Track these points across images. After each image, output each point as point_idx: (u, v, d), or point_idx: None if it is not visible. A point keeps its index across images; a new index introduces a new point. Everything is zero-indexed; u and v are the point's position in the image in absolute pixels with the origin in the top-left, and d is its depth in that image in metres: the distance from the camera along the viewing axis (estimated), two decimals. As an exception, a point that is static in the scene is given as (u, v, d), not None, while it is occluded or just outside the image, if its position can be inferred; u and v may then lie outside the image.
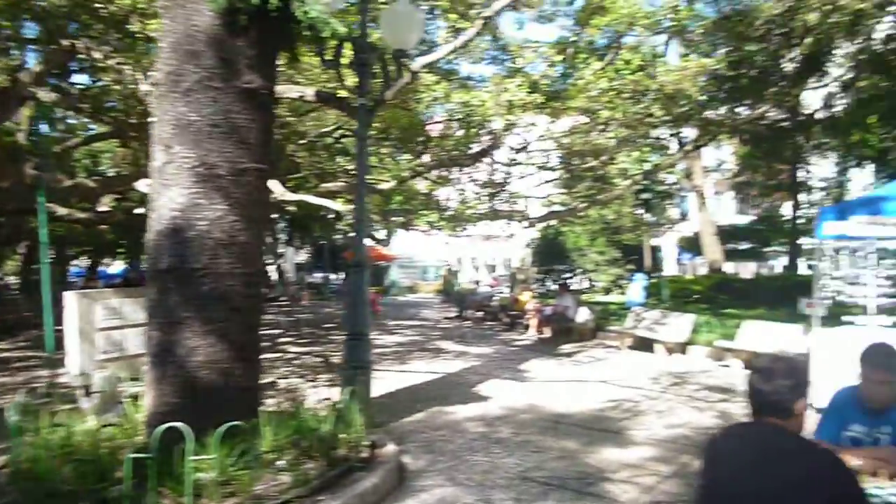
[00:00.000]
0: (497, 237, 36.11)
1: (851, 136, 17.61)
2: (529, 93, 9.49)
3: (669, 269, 35.76)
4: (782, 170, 21.06)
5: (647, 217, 24.80)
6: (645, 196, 19.32)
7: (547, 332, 15.75)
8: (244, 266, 5.32)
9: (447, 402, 8.71)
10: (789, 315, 12.32)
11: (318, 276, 35.58)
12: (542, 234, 24.51)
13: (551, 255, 23.38)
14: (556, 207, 14.65)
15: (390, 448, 6.00)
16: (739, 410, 8.16)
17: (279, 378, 10.30)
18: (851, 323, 8.24)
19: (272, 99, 5.81)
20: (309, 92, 8.69)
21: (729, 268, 26.51)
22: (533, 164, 13.74)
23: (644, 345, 13.48)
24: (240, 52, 5.36)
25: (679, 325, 13.03)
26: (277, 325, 18.35)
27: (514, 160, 13.16)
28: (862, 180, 23.70)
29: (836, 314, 8.56)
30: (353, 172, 13.98)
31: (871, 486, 2.90)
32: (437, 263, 44.45)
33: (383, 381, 10.21)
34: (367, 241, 28.21)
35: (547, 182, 14.00)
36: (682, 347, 12.84)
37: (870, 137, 17.84)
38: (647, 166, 13.36)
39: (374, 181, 14.82)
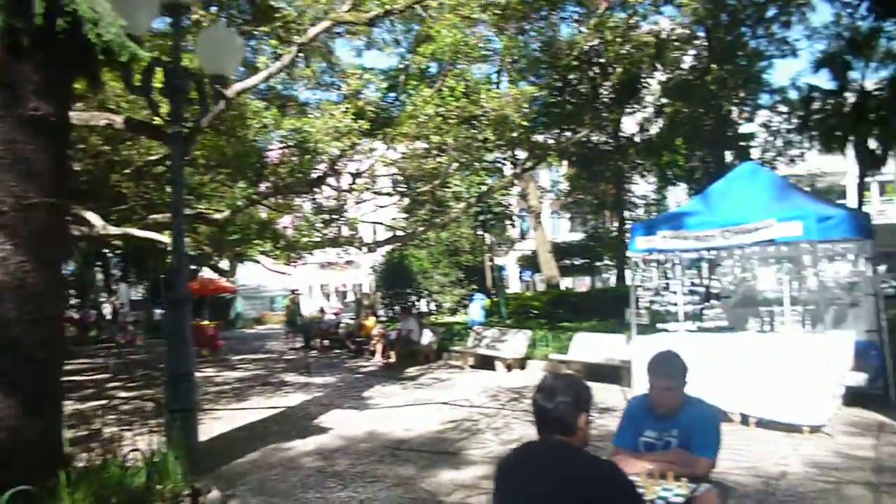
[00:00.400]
0: (338, 264, 35.83)
1: (663, 157, 19.20)
2: (355, 119, 9.49)
3: (513, 287, 37.17)
4: (607, 189, 22.57)
5: (487, 238, 25.62)
6: (483, 217, 19.95)
7: (392, 357, 15.71)
8: (35, 311, 4.84)
9: (285, 437, 8.39)
10: (618, 325, 13.12)
11: (157, 313, 33.48)
12: (386, 259, 24.61)
13: (397, 278, 23.50)
14: (397, 233, 14.73)
15: (214, 495, 5.66)
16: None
17: (103, 426, 9.48)
18: (665, 330, 8.88)
19: (66, 127, 5.37)
20: (118, 119, 8.15)
21: (567, 283, 27.97)
22: (370, 190, 13.76)
23: (486, 363, 13.80)
24: (24, 78, 4.92)
25: (516, 341, 13.48)
26: (107, 369, 16.96)
27: (353, 186, 13.10)
28: (678, 196, 25.90)
29: (655, 322, 9.22)
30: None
31: (658, 488, 3.07)
32: (285, 293, 43.41)
33: (219, 422, 9.71)
34: (208, 273, 26.75)
35: (384, 207, 14.08)
36: (520, 363, 13.28)
37: (678, 158, 19.55)
38: (481, 189, 13.77)
39: (207, 210, 14.19)
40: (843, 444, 6.86)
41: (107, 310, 31.02)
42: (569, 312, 18.86)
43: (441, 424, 8.80)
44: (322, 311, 21.21)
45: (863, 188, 28.19)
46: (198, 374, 15.06)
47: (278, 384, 13.36)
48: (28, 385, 4.73)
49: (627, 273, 25.73)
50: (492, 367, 13.48)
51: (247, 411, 10.52)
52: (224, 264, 32.05)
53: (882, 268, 22.23)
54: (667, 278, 8.70)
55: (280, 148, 14.30)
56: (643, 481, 3.11)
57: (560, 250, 25.95)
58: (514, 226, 28.62)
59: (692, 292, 8.89)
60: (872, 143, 25.56)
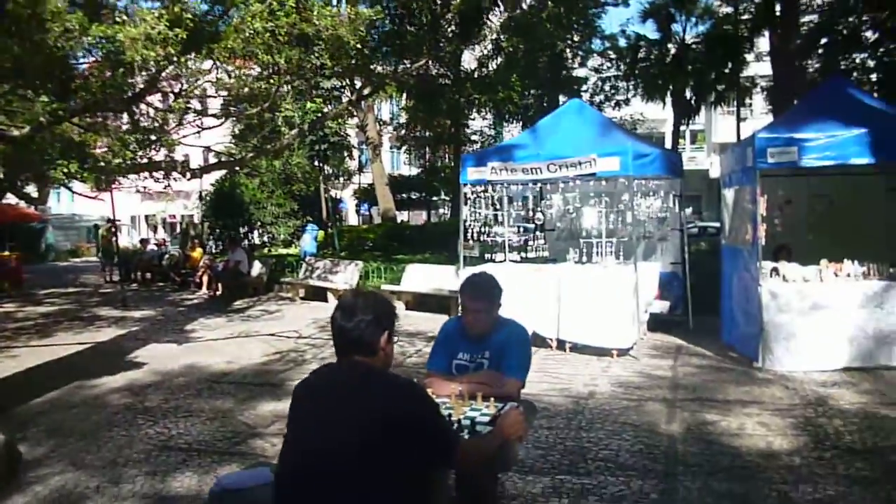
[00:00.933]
0: (167, 193, 33.57)
1: (499, 93, 19.48)
2: (170, 27, 8.60)
3: (352, 220, 36.81)
4: (445, 123, 22.66)
5: (325, 169, 24.97)
6: (319, 147, 19.29)
7: (219, 290, 15.02)
8: None
9: (92, 375, 7.72)
10: (451, 258, 13.33)
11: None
12: (216, 188, 23.27)
13: (227, 208, 22.33)
14: (223, 158, 13.85)
15: (-2, 438, 5.08)
16: (398, 349, 8.55)
17: None
18: (492, 260, 9.08)
19: None
20: None
21: (404, 217, 28.09)
22: (194, 111, 12.72)
23: (318, 294, 13.57)
24: None
25: (349, 272, 13.34)
26: None
27: (175, 104, 12.01)
28: (513, 133, 26.54)
29: (485, 253, 9.39)
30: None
31: (467, 408, 3.07)
32: (103, 223, 40.06)
33: (15, 360, 8.80)
34: (12, 199, 23.92)
35: (211, 128, 13.10)
36: (353, 294, 13.18)
37: (513, 95, 19.94)
38: (315, 115, 13.19)
39: (2, 126, 12.50)
40: (647, 365, 7.43)
41: None
42: (403, 245, 18.95)
43: (266, 357, 8.53)
44: (143, 241, 19.77)
45: (677, 135, 30.49)
46: (-6, 310, 13.67)
47: (90, 319, 12.34)
48: None
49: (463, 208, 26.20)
50: (324, 299, 13.28)
51: (51, 348, 9.61)
52: (31, 190, 28.88)
53: (688, 210, 24.35)
54: (495, 210, 8.86)
55: (90, 60, 12.81)
56: (453, 403, 3.10)
57: (397, 184, 25.93)
58: (352, 158, 28.10)
59: (519, 225, 9.13)
60: (688, 93, 27.60)
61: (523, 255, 8.98)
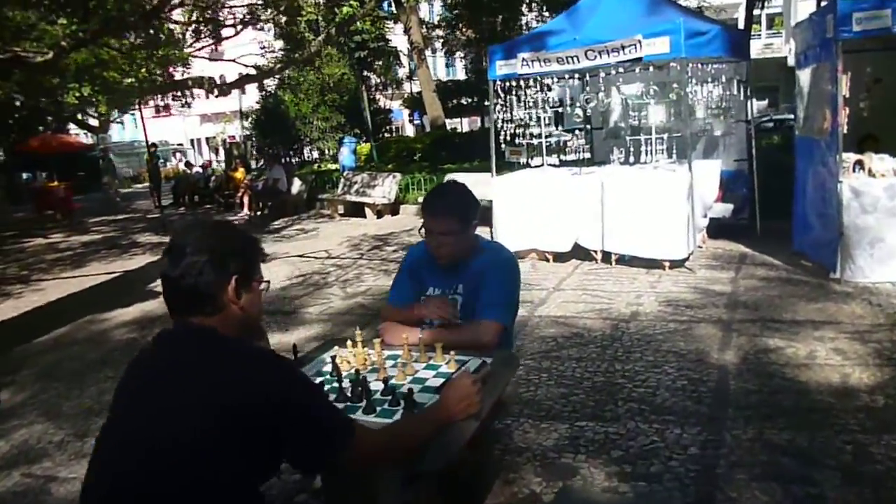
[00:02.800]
0: (224, 115, 33.31)
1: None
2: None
3: (407, 131, 35.77)
4: (493, 20, 21.10)
5: (371, 77, 23.94)
6: (360, 55, 18.24)
7: (261, 209, 14.59)
8: None
9: (107, 307, 7.36)
10: (499, 164, 12.33)
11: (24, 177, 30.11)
12: (261, 105, 22.66)
13: (273, 126, 21.74)
14: (249, 72, 13.09)
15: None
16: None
17: None
18: (528, 165, 8.15)
19: None
20: None
21: (456, 124, 26.94)
22: (214, 21, 11.94)
23: (357, 210, 12.92)
24: None
25: (386, 185, 12.59)
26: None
27: (187, 14, 11.25)
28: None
29: (531, 156, 8.43)
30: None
31: (421, 366, 2.31)
32: (163, 148, 40.33)
33: (39, 294, 8.57)
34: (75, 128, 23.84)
35: (226, 39, 12.32)
36: (392, 208, 12.49)
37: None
38: (341, 17, 12.17)
39: (25, 53, 12.03)
40: (702, 278, 6.49)
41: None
42: (453, 154, 17.94)
43: (287, 280, 7.98)
44: (188, 164, 19.46)
45: (751, 20, 27.72)
46: (37, 241, 13.66)
47: (127, 246, 12.11)
48: None
49: (493, 108, 24.65)
50: (363, 215, 12.64)
51: (80, 279, 9.36)
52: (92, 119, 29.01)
53: (764, 102, 22.26)
54: (528, 108, 7.83)
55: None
56: (404, 357, 2.35)
57: (447, 90, 24.57)
58: (401, 65, 26.83)
59: (555, 122, 8.10)
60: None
61: (563, 157, 7.99)
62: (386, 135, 24.67)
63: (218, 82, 12.94)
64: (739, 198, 8.27)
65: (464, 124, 30.84)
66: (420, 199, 11.54)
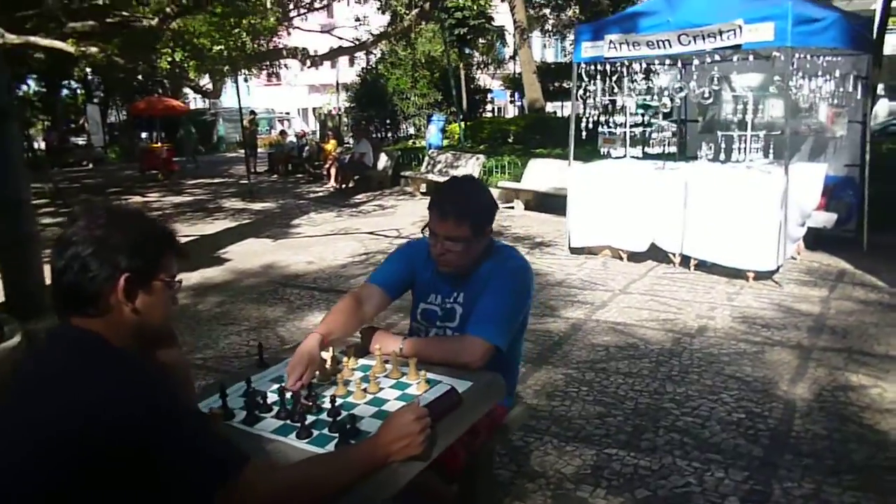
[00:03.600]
0: (326, 84, 33.75)
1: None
2: None
3: (509, 112, 35.16)
4: (600, 2, 20.24)
5: (473, 54, 23.56)
6: (459, 32, 17.87)
7: (348, 182, 14.60)
8: None
9: (172, 269, 7.46)
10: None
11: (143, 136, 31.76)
12: (361, 78, 22.75)
13: (371, 100, 21.78)
14: (343, 44, 13.02)
15: (12, 341, 4.75)
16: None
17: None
18: (608, 155, 7.62)
19: None
20: None
21: (555, 108, 26.14)
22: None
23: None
24: None
25: (469, 166, 12.25)
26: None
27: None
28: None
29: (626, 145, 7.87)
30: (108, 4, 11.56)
31: (388, 384, 1.99)
32: (270, 115, 41.49)
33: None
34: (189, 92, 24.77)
35: (317, 10, 12.27)
36: (473, 191, 12.13)
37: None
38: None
39: (133, 18, 12.41)
40: (789, 294, 5.82)
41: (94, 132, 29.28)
42: (547, 138, 17.36)
43: (349, 258, 7.84)
44: (283, 133, 19.79)
45: (888, 11, 25.38)
46: (135, 199, 14.21)
47: (212, 210, 12.39)
48: None
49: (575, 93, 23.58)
50: (443, 196, 12.36)
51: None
52: (207, 85, 30.14)
53: (891, 102, 20.23)
54: (612, 94, 7.27)
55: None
56: (376, 370, 2.05)
57: (550, 72, 23.85)
58: (505, 44, 26.24)
59: (642, 111, 7.50)
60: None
61: (647, 149, 7.40)
62: (484, 114, 24.23)
63: (310, 53, 12.97)
64: (845, 207, 7.42)
65: (565, 108, 30.03)
66: (503, 184, 11.19)
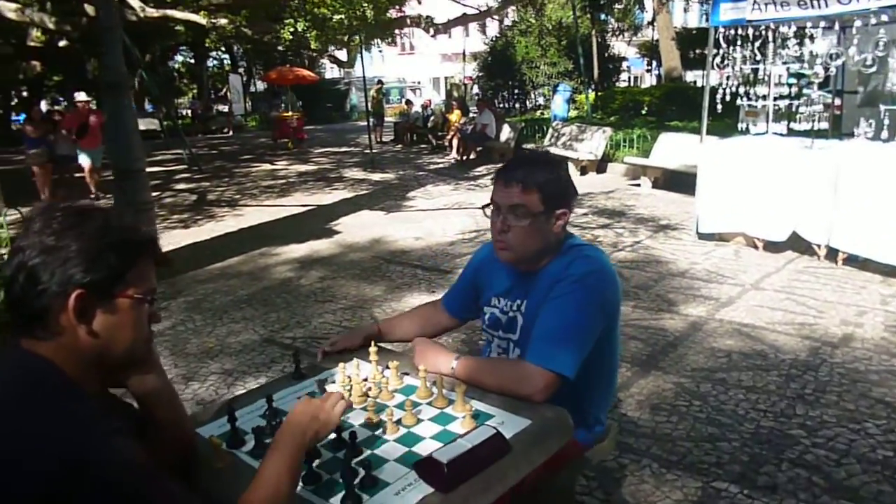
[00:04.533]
0: (457, 53, 33.48)
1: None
2: None
3: (644, 81, 33.46)
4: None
5: (609, 21, 22.43)
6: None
7: (471, 153, 14.30)
8: None
9: (283, 240, 7.52)
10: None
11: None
12: (490, 46, 22.24)
13: (500, 69, 21.26)
14: (468, 11, 12.62)
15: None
16: (614, 238, 6.98)
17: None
18: (746, 131, 6.82)
19: None
20: None
21: (696, 77, 24.51)
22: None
23: (561, 164, 12.07)
24: None
25: (595, 140, 11.57)
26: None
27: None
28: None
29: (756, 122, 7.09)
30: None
31: (433, 413, 1.66)
32: (401, 85, 41.82)
33: (236, 219, 9.04)
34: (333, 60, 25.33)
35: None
36: (598, 165, 11.48)
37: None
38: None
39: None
40: (960, 299, 4.94)
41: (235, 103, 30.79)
42: (685, 109, 16.21)
43: (459, 234, 7.55)
44: (408, 103, 19.74)
45: None
46: (264, 167, 14.63)
47: (333, 180, 12.49)
48: None
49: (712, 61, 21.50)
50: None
51: (279, 208, 9.76)
52: (342, 54, 30.79)
53: None
54: (755, 61, 6.44)
55: None
56: (419, 396, 1.72)
57: (690, 39, 22.29)
58: (641, 8, 24.78)
59: (790, 82, 6.59)
60: None
61: (792, 125, 6.54)
62: (617, 84, 23.08)
63: (434, 22, 12.69)
64: None
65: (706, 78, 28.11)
66: (629, 159, 10.49)
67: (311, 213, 9.36)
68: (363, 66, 14.17)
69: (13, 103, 27.80)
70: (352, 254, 6.92)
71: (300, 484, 1.39)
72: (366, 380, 1.84)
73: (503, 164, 1.96)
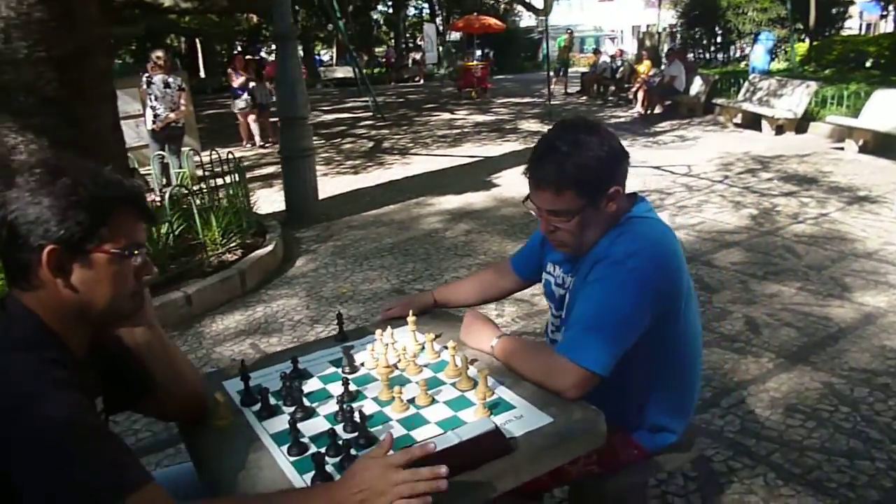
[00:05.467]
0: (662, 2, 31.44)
1: None
2: None
3: (878, 30, 29.29)
4: None
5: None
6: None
7: (657, 107, 13.44)
8: (47, 49, 4.21)
9: (439, 192, 7.55)
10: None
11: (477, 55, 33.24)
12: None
13: (701, 16, 19.60)
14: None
15: (264, 251, 5.16)
16: (796, 208, 6.22)
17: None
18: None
19: None
20: None
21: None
22: None
23: (755, 122, 10.96)
24: None
25: (796, 96, 10.30)
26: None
27: None
28: None
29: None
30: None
31: (455, 392, 1.51)
32: (598, 34, 40.17)
33: (405, 168, 9.22)
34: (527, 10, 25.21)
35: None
36: (796, 125, 10.25)
37: None
38: None
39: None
40: None
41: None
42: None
43: (619, 196, 7.10)
44: (596, 52, 18.81)
45: None
46: (443, 116, 14.80)
47: (506, 132, 12.32)
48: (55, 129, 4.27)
49: None
50: (758, 128, 10.68)
51: (447, 158, 9.83)
52: (538, 1, 30.17)
53: None
54: None
55: None
56: (449, 373, 1.59)
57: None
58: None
59: None
60: None
61: None
62: (839, 33, 20.38)
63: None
64: None
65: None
66: (832, 118, 9.30)
67: (477, 164, 9.30)
68: (546, 14, 13.69)
69: (235, 52, 30.49)
70: (504, 208, 6.77)
71: (286, 455, 1.34)
72: (403, 349, 1.73)
73: (529, 158, 1.69)
